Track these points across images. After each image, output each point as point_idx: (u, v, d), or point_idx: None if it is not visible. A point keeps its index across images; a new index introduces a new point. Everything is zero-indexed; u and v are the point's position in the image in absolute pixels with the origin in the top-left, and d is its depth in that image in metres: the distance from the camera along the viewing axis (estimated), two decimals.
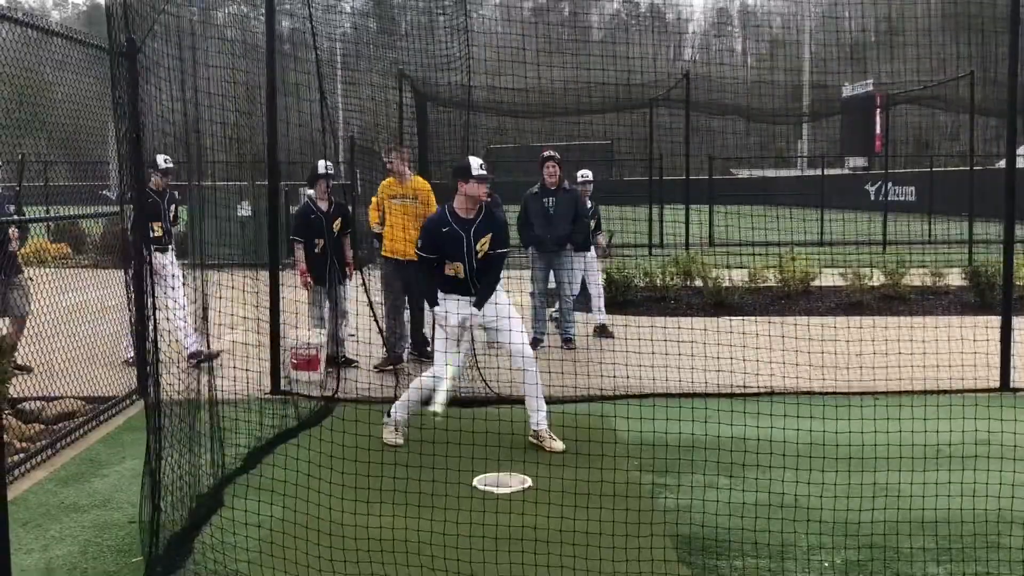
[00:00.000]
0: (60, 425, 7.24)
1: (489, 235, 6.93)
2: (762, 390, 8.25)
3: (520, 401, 7.23)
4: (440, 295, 7.00)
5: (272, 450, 6.72)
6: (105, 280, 8.20)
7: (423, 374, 7.12)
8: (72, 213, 8.95)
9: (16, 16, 6.73)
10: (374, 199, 10.00)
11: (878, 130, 31.62)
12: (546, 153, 10.53)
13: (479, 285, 6.92)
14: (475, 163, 6.93)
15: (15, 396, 7.40)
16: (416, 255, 7.09)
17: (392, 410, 7.09)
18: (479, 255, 6.89)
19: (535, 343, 10.45)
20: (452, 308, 6.88)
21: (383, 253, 9.75)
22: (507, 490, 6.08)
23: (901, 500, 5.64)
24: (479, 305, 6.89)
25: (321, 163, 9.45)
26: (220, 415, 6.14)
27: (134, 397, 8.23)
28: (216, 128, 7.34)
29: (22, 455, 6.48)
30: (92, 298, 8.68)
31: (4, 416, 7.15)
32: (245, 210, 17.76)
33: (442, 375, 6.79)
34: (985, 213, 20.51)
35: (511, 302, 7.22)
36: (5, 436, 6.82)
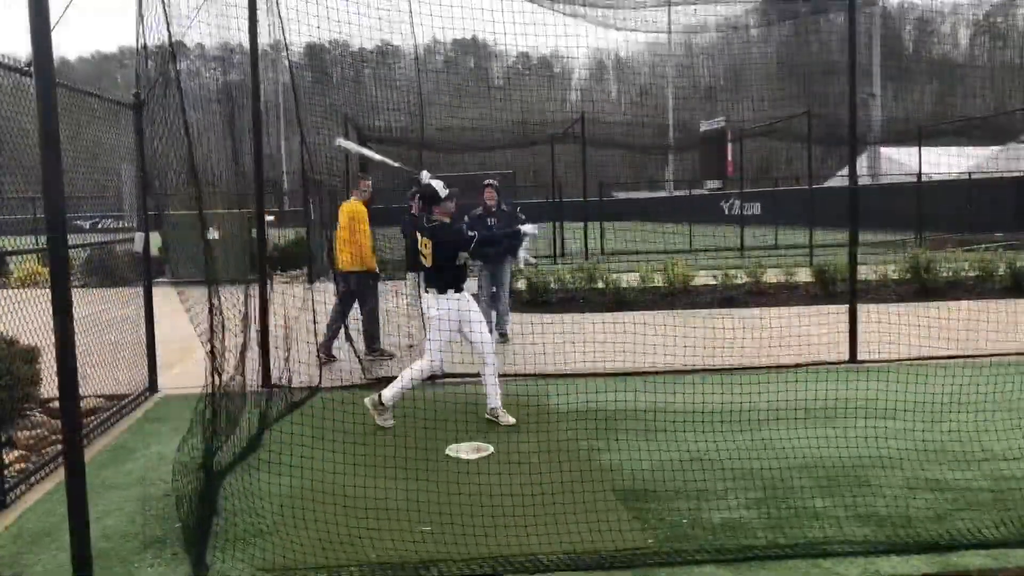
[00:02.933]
0: (87, 420, 7.12)
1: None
2: (663, 369, 8.58)
3: (472, 375, 7.36)
4: (448, 293, 6.95)
5: (268, 432, 6.71)
6: (93, 298, 8.06)
7: (414, 364, 7.10)
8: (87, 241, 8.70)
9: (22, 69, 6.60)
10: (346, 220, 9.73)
11: (729, 158, 32.54)
12: (486, 181, 10.71)
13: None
14: (438, 186, 7.03)
15: (45, 396, 7.25)
16: (470, 239, 7.07)
17: (385, 398, 6.99)
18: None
19: None
20: (454, 307, 6.92)
21: (357, 268, 9.60)
22: (474, 456, 6.19)
23: (786, 450, 5.90)
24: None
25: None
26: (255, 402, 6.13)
27: (147, 395, 8.14)
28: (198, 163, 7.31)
29: (59, 446, 6.37)
30: (85, 313, 8.49)
31: (36, 413, 7.06)
32: (213, 235, 17.51)
33: (433, 366, 6.93)
34: (819, 222, 21.40)
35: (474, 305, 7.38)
36: (41, 431, 6.74)
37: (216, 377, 5.18)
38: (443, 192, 7.01)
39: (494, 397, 7.08)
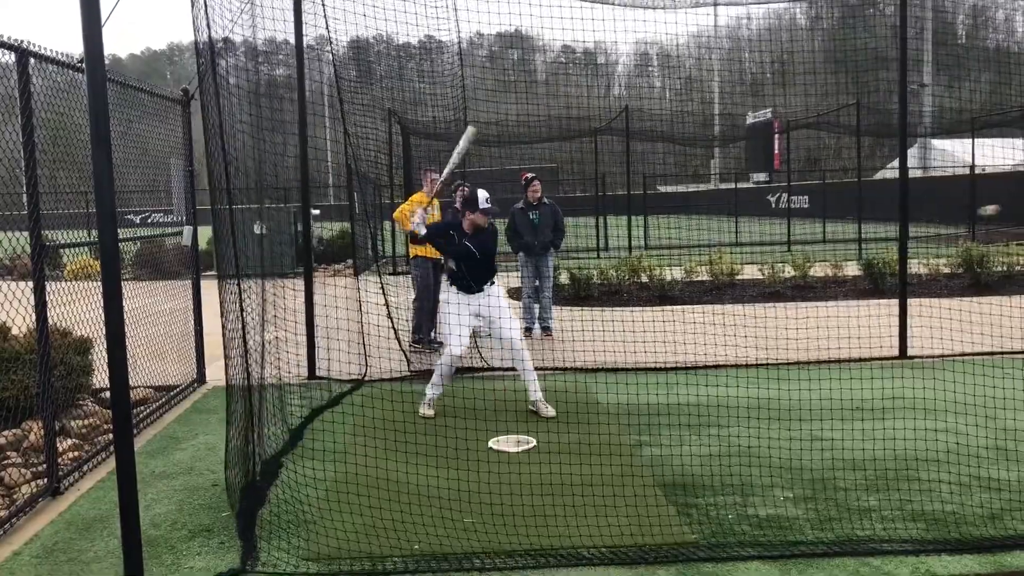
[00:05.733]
0: (136, 410, 7.25)
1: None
2: (708, 364, 8.51)
3: (512, 369, 7.36)
4: (451, 290, 7.14)
5: (314, 423, 6.79)
6: (144, 291, 8.19)
7: (441, 356, 7.20)
8: (138, 234, 8.86)
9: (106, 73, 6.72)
10: (406, 207, 10.01)
11: (776, 150, 32.15)
12: (530, 175, 10.67)
13: (480, 283, 7.09)
14: (482, 197, 7.05)
15: (97, 387, 7.41)
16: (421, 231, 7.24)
17: (426, 390, 7.18)
18: (477, 256, 7.03)
19: (527, 331, 10.63)
20: (461, 300, 7.04)
21: (420, 254, 9.87)
22: (516, 449, 6.19)
23: (833, 446, 5.82)
24: (478, 287, 7.09)
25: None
26: (281, 396, 6.21)
27: (195, 385, 8.28)
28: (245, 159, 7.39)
29: (110, 435, 6.50)
30: (137, 305, 8.64)
31: (89, 403, 7.22)
32: (260, 229, 17.84)
33: (455, 354, 6.98)
34: (868, 216, 21.07)
35: (507, 301, 7.38)
36: (93, 420, 6.88)
37: (248, 370, 5.22)
38: (484, 204, 7.02)
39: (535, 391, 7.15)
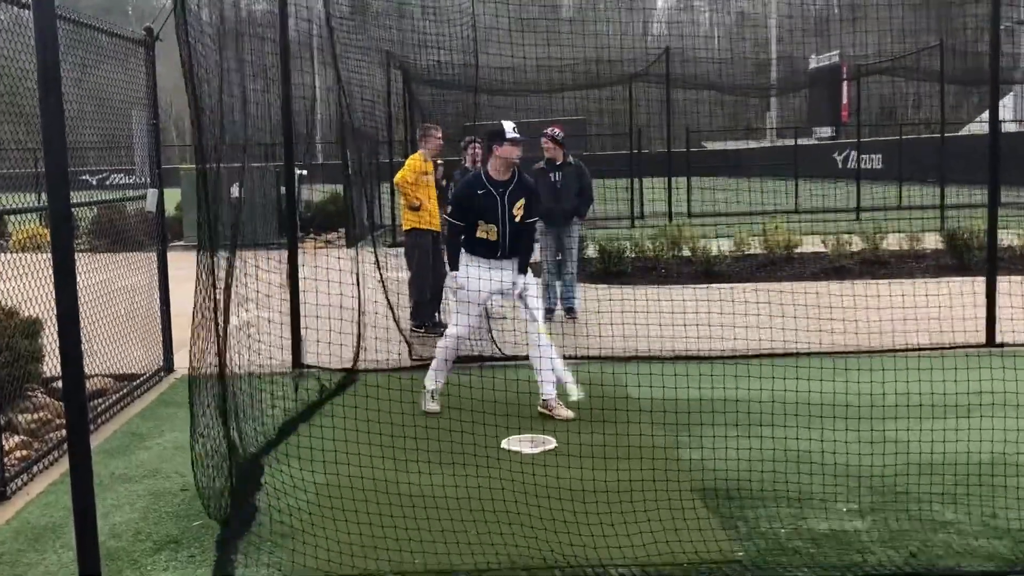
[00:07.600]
0: (94, 403, 7.31)
1: (523, 200, 6.98)
2: (761, 352, 8.51)
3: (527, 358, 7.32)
4: (464, 260, 7.04)
5: (304, 420, 6.85)
6: (102, 264, 8.24)
7: (441, 339, 7.26)
8: (95, 199, 8.92)
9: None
10: (406, 174, 10.12)
11: (844, 100, 31.90)
12: (546, 131, 10.62)
13: (513, 250, 7.01)
14: (508, 126, 6.90)
15: (48, 375, 7.48)
16: (444, 220, 7.19)
17: (426, 382, 7.18)
18: (515, 219, 6.95)
19: (548, 313, 10.57)
20: (474, 275, 6.94)
21: (417, 226, 10.03)
22: (533, 450, 6.22)
23: (905, 449, 5.78)
24: (521, 271, 7.06)
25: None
26: (258, 387, 6.27)
27: (161, 374, 8.36)
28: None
29: (64, 432, 6.57)
30: (94, 281, 8.71)
31: (39, 394, 7.30)
32: (235, 192, 17.90)
33: (460, 335, 7.03)
34: (953, 178, 20.90)
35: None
36: (44, 414, 6.97)
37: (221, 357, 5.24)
38: (511, 133, 6.87)
39: (548, 385, 7.09)
